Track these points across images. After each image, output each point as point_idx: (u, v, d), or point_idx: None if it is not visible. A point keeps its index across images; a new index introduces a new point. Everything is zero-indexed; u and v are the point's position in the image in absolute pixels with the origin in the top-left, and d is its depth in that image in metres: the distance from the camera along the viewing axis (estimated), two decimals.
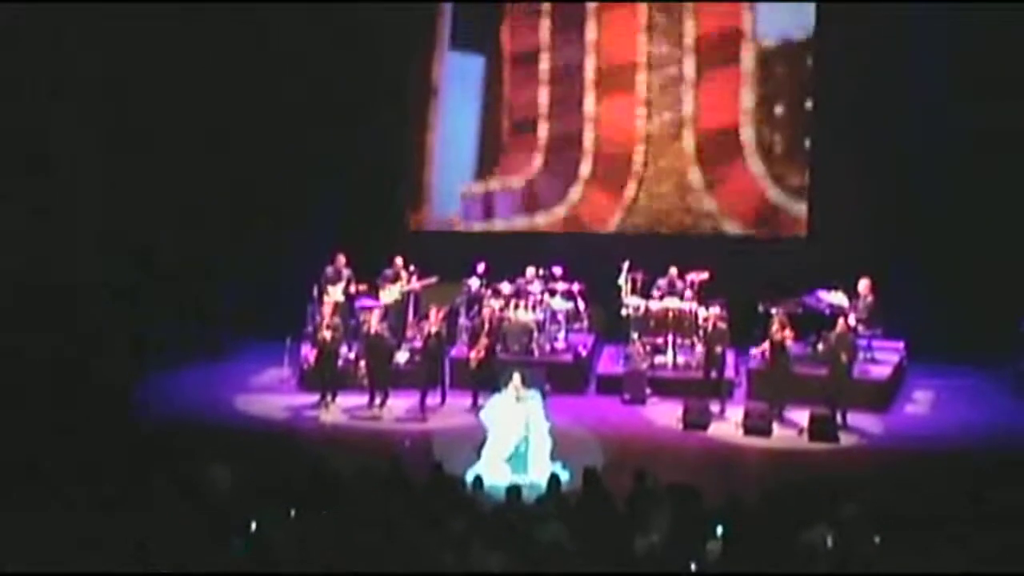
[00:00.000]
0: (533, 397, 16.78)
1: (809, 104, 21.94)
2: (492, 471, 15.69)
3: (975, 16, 20.36)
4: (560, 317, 20.73)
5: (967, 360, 20.21)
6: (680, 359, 20.16)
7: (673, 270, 20.59)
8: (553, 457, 16.22)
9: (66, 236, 20.59)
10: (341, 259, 20.75)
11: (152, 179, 21.32)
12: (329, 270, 20.68)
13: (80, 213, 20.75)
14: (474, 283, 20.80)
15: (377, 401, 19.24)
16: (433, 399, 19.29)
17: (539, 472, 15.64)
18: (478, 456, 16.24)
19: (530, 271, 20.86)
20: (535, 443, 16.37)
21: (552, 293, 20.78)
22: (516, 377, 16.72)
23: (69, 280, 20.37)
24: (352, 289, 20.57)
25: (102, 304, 20.53)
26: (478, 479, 13.78)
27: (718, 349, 19.23)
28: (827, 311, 19.47)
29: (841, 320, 18.71)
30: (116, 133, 20.99)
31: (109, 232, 21.05)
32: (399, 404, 19.32)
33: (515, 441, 16.33)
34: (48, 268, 20.24)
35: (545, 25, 22.61)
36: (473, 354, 19.40)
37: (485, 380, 18.80)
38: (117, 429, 16.63)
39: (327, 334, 19.40)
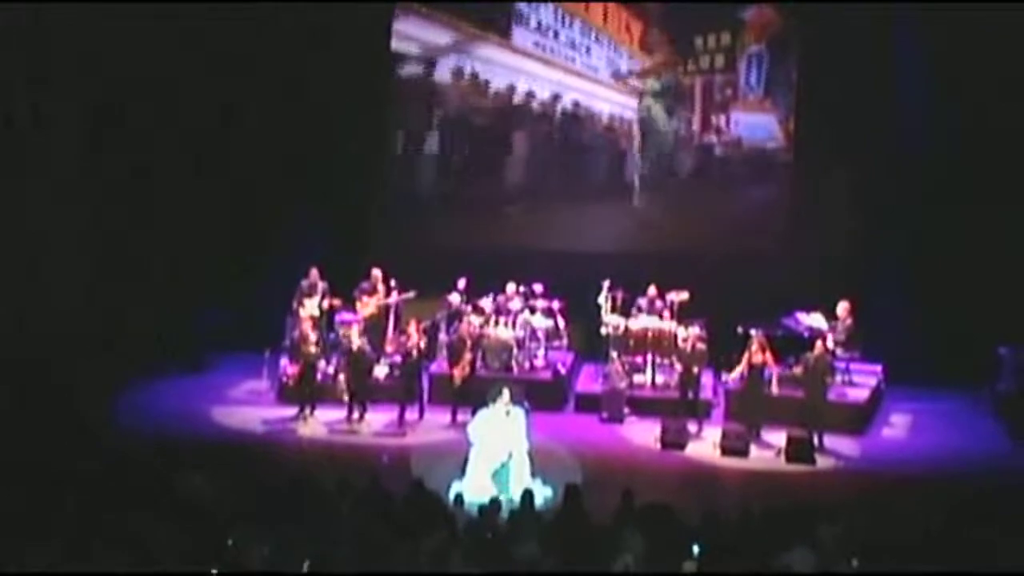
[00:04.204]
0: (519, 414, 16.62)
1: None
2: (476, 487, 15.63)
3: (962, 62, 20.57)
4: (540, 334, 20.70)
5: (945, 384, 20.25)
6: (659, 379, 20.17)
7: (653, 289, 20.57)
8: (532, 475, 16.12)
9: (48, 246, 20.52)
10: (315, 272, 20.68)
11: (135, 192, 21.26)
12: (304, 283, 20.61)
13: (61, 225, 20.66)
14: (455, 299, 20.78)
15: (355, 415, 19.22)
16: (411, 414, 19.28)
17: (520, 489, 15.53)
18: (459, 471, 16.16)
19: (511, 288, 20.84)
20: (517, 460, 16.24)
21: (532, 310, 20.77)
22: (505, 393, 16.58)
23: (47, 291, 20.31)
24: (326, 303, 20.53)
25: (81, 316, 20.47)
26: (459, 496, 13.72)
27: (696, 369, 19.27)
28: (806, 333, 19.52)
29: (819, 342, 18.77)
30: (103, 146, 20.93)
31: (91, 244, 20.97)
32: (377, 418, 19.29)
33: (501, 456, 16.14)
34: (26, 277, 20.20)
35: None
36: (457, 371, 19.38)
37: (468, 397, 18.71)
38: (94, 440, 16.56)
39: (310, 348, 19.40)
